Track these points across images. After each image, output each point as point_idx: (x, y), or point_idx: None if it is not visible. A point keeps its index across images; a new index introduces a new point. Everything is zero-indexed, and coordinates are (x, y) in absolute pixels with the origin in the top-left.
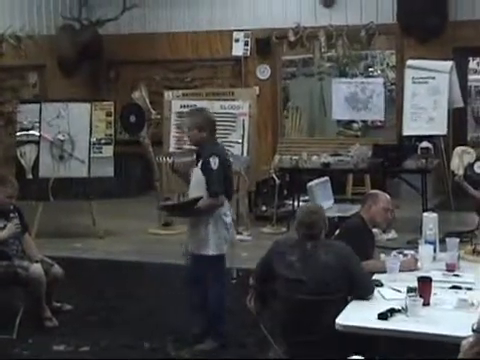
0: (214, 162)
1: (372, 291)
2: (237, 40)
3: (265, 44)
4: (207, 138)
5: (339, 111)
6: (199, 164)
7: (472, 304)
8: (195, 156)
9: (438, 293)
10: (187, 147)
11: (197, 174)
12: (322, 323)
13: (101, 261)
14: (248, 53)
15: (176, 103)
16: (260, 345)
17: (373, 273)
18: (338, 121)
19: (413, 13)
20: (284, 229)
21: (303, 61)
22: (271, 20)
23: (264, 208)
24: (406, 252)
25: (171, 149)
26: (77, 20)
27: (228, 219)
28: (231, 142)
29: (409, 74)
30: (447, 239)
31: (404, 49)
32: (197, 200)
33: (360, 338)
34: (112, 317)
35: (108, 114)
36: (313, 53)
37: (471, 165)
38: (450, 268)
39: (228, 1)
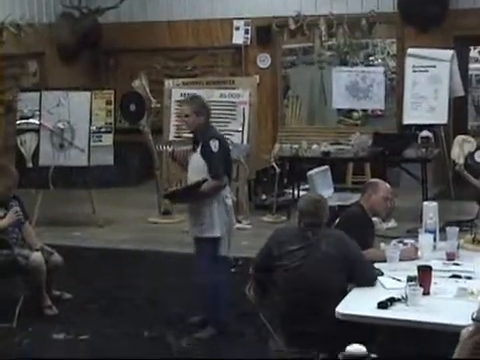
0: (214, 145)
1: (375, 278)
2: (237, 28)
3: (265, 32)
4: (204, 123)
5: (339, 100)
6: (198, 149)
7: (472, 293)
8: (192, 142)
9: (438, 282)
10: (187, 135)
11: (196, 159)
12: (322, 313)
13: (101, 250)
14: (248, 41)
15: (176, 91)
16: (259, 334)
17: (373, 262)
18: (338, 110)
19: (414, 2)
20: (284, 218)
21: (303, 50)
22: (271, 8)
23: (264, 197)
24: (406, 241)
25: (171, 138)
26: (77, 8)
27: (229, 201)
28: (231, 130)
29: (410, 63)
30: (447, 228)
31: (405, 38)
32: (201, 183)
33: (360, 328)
34: (112, 306)
35: (108, 102)
36: (313, 42)
37: (471, 154)
38: (450, 257)
39: None
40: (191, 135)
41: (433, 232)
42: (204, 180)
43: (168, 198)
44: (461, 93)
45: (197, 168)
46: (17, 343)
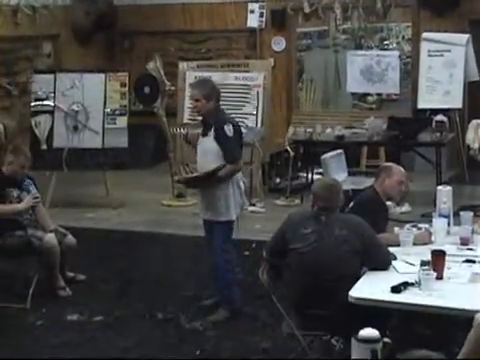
0: (229, 129)
1: (389, 263)
2: (252, 11)
3: (280, 16)
4: (214, 107)
5: (354, 84)
6: (210, 133)
7: None
8: (202, 126)
9: (452, 267)
10: (201, 118)
11: (208, 143)
12: (335, 296)
13: (114, 232)
14: (263, 25)
15: (190, 74)
16: (273, 317)
17: (387, 246)
18: (353, 94)
19: None
20: (298, 201)
21: (318, 33)
22: None
23: (278, 180)
24: (420, 225)
25: (185, 120)
26: None
27: (242, 184)
28: (245, 114)
29: (425, 47)
30: (461, 213)
31: (420, 22)
32: (220, 169)
33: (373, 312)
34: (125, 287)
35: (122, 85)
36: (328, 25)
37: None
38: (464, 242)
39: None
40: (200, 118)
41: (447, 216)
42: (224, 166)
43: (184, 183)
44: (476, 77)
45: (210, 152)
46: (30, 324)
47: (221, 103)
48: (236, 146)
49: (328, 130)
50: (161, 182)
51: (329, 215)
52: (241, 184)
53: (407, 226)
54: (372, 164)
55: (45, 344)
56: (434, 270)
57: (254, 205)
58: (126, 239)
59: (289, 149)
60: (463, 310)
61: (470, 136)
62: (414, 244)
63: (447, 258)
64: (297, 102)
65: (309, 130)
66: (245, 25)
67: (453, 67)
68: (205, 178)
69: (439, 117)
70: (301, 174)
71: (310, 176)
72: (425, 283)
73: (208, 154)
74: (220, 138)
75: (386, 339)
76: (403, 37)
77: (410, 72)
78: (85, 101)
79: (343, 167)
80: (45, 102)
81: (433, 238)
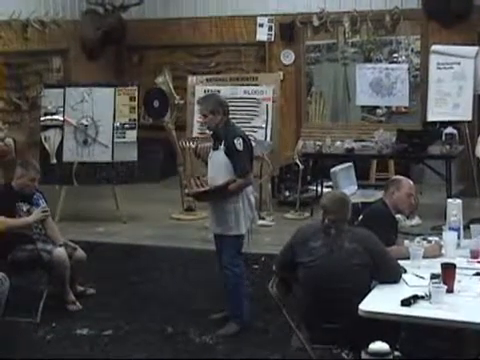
0: (239, 143)
1: (400, 275)
2: (261, 25)
3: (289, 29)
4: (222, 120)
5: (363, 97)
6: (221, 147)
7: None
8: (213, 140)
9: (462, 280)
10: (209, 132)
11: (220, 157)
12: (345, 310)
13: (124, 246)
14: (272, 38)
15: (200, 88)
16: (283, 331)
17: (397, 259)
18: (362, 107)
19: None
20: (307, 214)
21: (327, 46)
22: (295, 5)
23: (287, 193)
24: (430, 238)
25: (194, 134)
26: (101, 5)
27: (252, 198)
28: (254, 127)
29: (434, 59)
30: (471, 226)
31: (429, 34)
32: (230, 183)
33: (383, 325)
34: (135, 301)
35: (132, 99)
36: (337, 38)
37: None
38: (474, 255)
39: None
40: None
41: (457, 230)
42: (232, 181)
43: (194, 197)
44: None
45: (221, 166)
46: (40, 338)
47: (230, 117)
48: (246, 160)
49: (337, 143)
50: (170, 196)
51: (338, 228)
52: (251, 198)
53: (417, 239)
54: (381, 177)
55: (55, 358)
56: (444, 283)
57: (263, 218)
58: (136, 253)
59: (298, 162)
60: (474, 323)
61: (479, 149)
62: (424, 257)
63: (457, 271)
64: (306, 115)
65: (318, 143)
66: (254, 39)
67: (462, 79)
68: (215, 192)
69: (449, 130)
70: (310, 187)
71: (319, 189)
72: (435, 296)
73: (219, 168)
74: (231, 152)
75: (396, 352)
76: (412, 50)
77: (419, 85)
78: (94, 115)
79: (353, 180)
80: (55, 116)
81: (443, 251)
